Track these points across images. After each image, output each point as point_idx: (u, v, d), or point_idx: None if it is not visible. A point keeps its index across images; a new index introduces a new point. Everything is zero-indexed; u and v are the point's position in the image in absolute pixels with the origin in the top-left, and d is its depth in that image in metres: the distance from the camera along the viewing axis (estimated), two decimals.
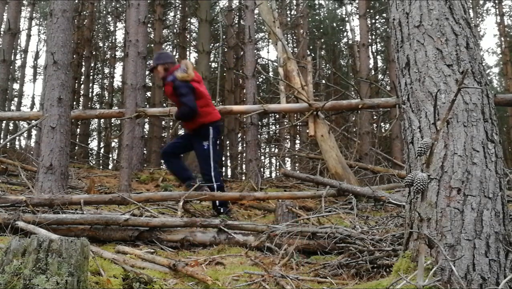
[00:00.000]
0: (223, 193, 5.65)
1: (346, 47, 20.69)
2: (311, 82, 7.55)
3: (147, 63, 13.68)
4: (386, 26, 18.97)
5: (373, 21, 18.52)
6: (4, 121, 13.58)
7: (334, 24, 19.70)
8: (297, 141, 17.53)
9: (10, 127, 15.96)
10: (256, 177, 7.51)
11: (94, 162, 17.28)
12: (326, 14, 20.19)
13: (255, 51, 12.95)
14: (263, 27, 15.89)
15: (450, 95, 2.55)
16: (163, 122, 15.41)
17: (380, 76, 19.06)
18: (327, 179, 6.53)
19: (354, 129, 13.78)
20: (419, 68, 2.69)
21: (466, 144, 2.45)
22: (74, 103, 16.12)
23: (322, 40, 19.11)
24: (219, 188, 5.49)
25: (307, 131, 7.10)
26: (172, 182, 8.21)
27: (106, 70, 20.47)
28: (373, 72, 17.11)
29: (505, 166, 3.41)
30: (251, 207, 6.00)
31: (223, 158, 18.68)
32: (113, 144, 19.33)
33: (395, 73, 3.04)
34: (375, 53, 19.63)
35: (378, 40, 18.83)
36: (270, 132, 19.34)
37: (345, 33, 20.77)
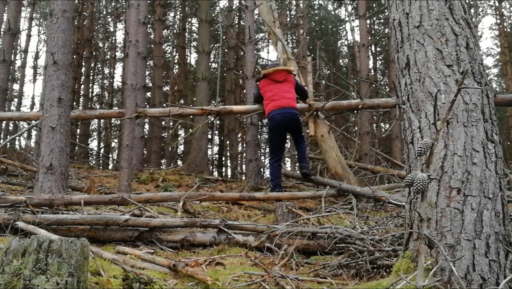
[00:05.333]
0: (223, 194, 5.67)
1: (345, 47, 20.69)
2: (311, 82, 7.54)
3: (147, 63, 13.69)
4: (384, 27, 18.97)
5: (372, 21, 18.50)
6: (4, 122, 13.57)
7: (332, 25, 19.69)
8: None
9: (10, 128, 15.96)
10: (256, 177, 7.51)
11: (94, 162, 17.27)
12: (325, 15, 20.18)
13: (255, 51, 12.96)
14: (263, 27, 15.89)
15: (450, 95, 2.55)
16: (163, 123, 15.41)
17: (379, 77, 19.05)
18: (327, 179, 6.53)
19: (354, 130, 13.78)
20: (419, 68, 2.69)
21: (466, 144, 2.45)
22: (74, 103, 16.11)
23: (322, 40, 19.10)
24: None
25: (307, 131, 7.09)
26: (172, 182, 8.21)
27: (106, 71, 20.47)
28: (372, 72, 17.10)
29: (505, 166, 3.41)
30: (251, 207, 6.00)
31: (223, 158, 18.69)
32: (113, 144, 19.33)
33: (395, 73, 3.04)
34: (375, 54, 19.62)
35: (377, 40, 18.82)
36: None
37: (344, 34, 20.78)
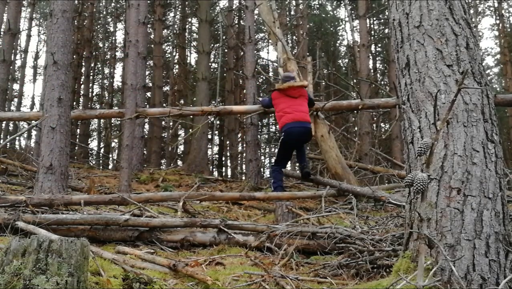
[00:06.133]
0: (223, 193, 5.66)
1: (345, 47, 20.68)
2: (311, 82, 7.54)
3: (147, 63, 13.69)
4: (384, 27, 18.97)
5: (372, 21, 18.50)
6: (4, 122, 13.57)
7: (332, 25, 19.70)
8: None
9: (10, 128, 15.96)
10: (256, 177, 7.50)
11: (94, 162, 17.26)
12: (325, 15, 20.18)
13: (255, 51, 12.96)
14: (263, 27, 15.89)
15: (450, 95, 2.55)
16: (163, 123, 15.41)
17: (379, 77, 19.05)
18: (327, 179, 6.53)
19: (354, 130, 13.78)
20: (419, 68, 2.69)
21: (466, 144, 2.45)
22: (74, 103, 16.11)
23: (322, 40, 19.09)
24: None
25: None
26: (172, 182, 8.21)
27: (106, 71, 20.47)
28: (372, 72, 17.10)
29: (505, 166, 3.41)
30: (251, 207, 6.00)
31: (223, 158, 18.70)
32: (113, 144, 19.32)
33: (395, 73, 3.05)
34: (375, 54, 19.62)
35: (376, 40, 18.83)
36: (270, 132, 19.34)
37: (344, 34, 20.80)
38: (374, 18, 18.35)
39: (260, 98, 7.14)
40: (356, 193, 5.55)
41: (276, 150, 6.55)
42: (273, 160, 6.87)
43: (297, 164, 6.83)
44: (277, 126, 6.48)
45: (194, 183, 7.49)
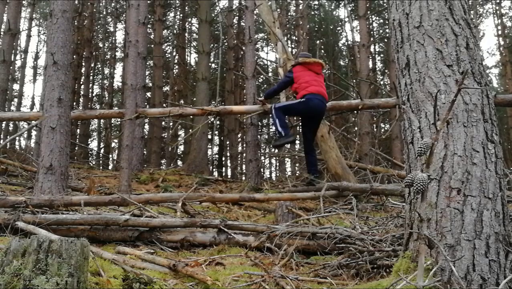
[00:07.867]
0: (223, 195, 5.66)
1: (344, 47, 20.67)
2: None
3: (147, 63, 13.69)
4: (383, 27, 18.96)
5: (371, 21, 18.49)
6: (4, 122, 13.58)
7: (332, 25, 19.69)
8: (297, 141, 17.49)
9: (10, 128, 15.96)
10: (256, 177, 7.50)
11: (94, 162, 17.27)
12: (325, 15, 20.18)
13: (255, 51, 12.95)
14: (262, 27, 15.89)
15: (450, 95, 2.55)
16: (163, 123, 15.41)
17: (379, 77, 19.04)
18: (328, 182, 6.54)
19: (354, 130, 13.78)
20: (419, 68, 2.69)
21: (466, 144, 2.45)
22: (74, 103, 16.12)
23: (322, 40, 19.09)
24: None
25: None
26: (172, 182, 8.21)
27: (106, 71, 20.47)
28: (372, 72, 17.10)
29: (505, 166, 3.41)
30: (251, 207, 6.00)
31: (223, 158, 18.69)
32: (113, 144, 19.32)
33: (395, 73, 3.04)
34: (374, 54, 19.60)
35: (377, 40, 18.81)
36: (270, 132, 19.34)
37: (343, 34, 20.78)
38: (374, 18, 18.35)
39: (260, 98, 7.13)
40: (354, 189, 5.59)
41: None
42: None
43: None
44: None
45: (195, 183, 7.49)
